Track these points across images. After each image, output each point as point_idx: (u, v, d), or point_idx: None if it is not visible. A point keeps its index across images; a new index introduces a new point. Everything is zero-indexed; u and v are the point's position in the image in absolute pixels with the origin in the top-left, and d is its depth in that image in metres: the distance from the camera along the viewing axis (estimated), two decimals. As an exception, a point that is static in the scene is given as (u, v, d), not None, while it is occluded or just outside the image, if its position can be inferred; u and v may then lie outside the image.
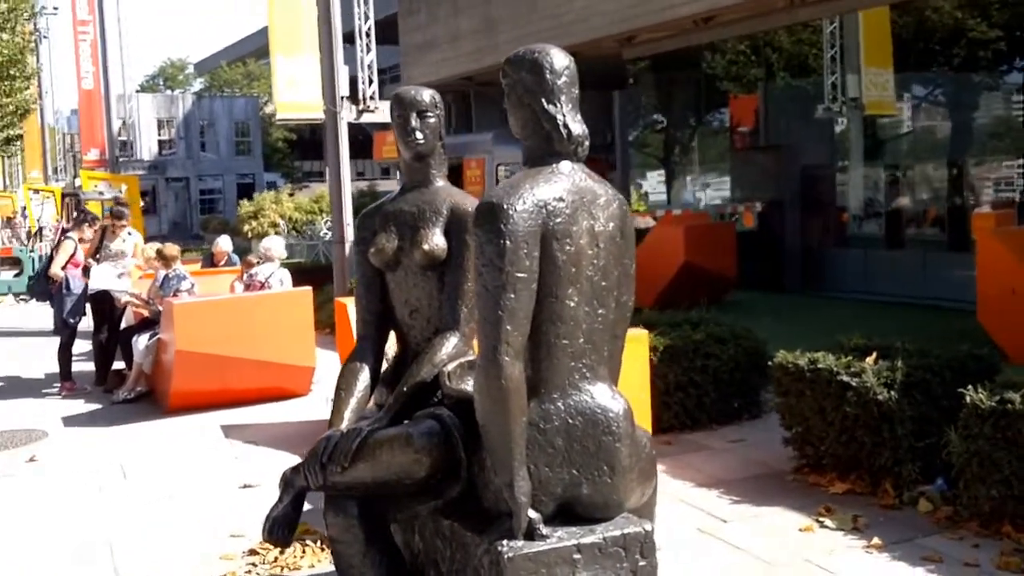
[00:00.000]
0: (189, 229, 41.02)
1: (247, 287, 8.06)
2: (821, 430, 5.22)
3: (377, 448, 2.98)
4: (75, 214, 9.34)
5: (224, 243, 10.43)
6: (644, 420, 5.03)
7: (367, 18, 11.74)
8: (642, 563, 2.82)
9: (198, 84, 67.08)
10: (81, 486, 5.60)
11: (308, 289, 7.64)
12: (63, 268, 8.15)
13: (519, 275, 2.62)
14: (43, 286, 8.31)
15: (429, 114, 3.45)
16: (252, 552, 4.37)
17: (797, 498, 4.99)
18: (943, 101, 15.63)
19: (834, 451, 5.18)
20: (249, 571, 4.25)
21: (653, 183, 20.39)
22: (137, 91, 53.47)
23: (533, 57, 2.86)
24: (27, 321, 11.67)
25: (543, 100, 2.82)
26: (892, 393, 4.82)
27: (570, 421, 2.77)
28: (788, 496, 5.03)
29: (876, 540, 4.35)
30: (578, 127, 2.83)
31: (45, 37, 31.56)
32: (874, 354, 5.12)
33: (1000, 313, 7.63)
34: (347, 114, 10.93)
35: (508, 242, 2.61)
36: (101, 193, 18.81)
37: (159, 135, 43.97)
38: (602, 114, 20.37)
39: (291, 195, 25.32)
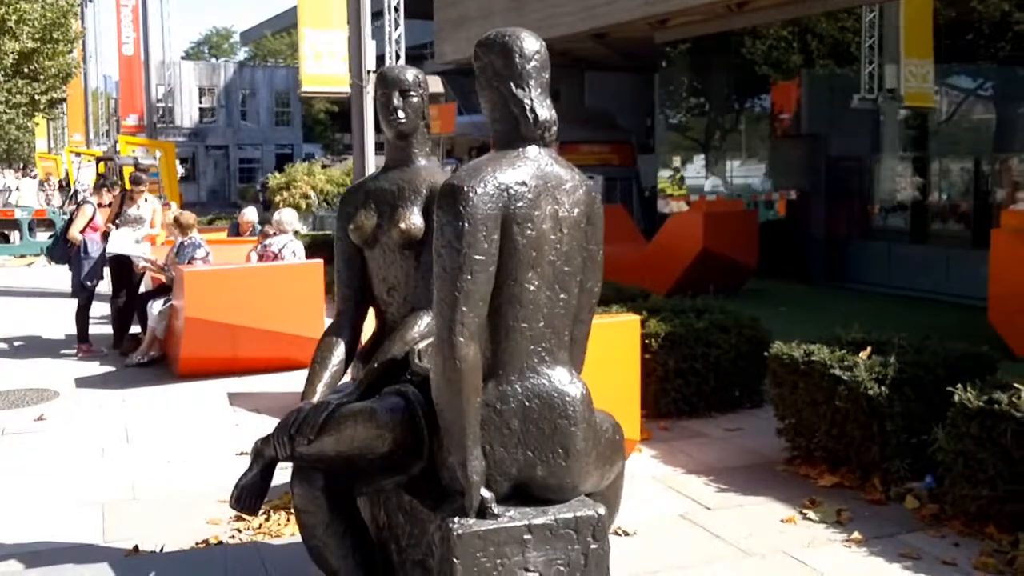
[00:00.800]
0: (227, 197, 41.39)
1: (261, 257, 8.16)
2: (813, 422, 5.21)
3: (342, 422, 3.04)
4: (96, 179, 9.49)
5: (250, 214, 10.58)
6: (633, 405, 5.06)
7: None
8: (594, 546, 2.85)
9: (243, 53, 67.61)
10: (83, 447, 5.73)
11: (319, 261, 7.71)
12: (82, 232, 8.30)
13: (477, 257, 2.64)
14: (62, 249, 8.47)
15: (412, 93, 3.47)
16: (239, 518, 4.45)
17: (785, 489, 4.99)
18: (983, 95, 15.32)
19: (825, 444, 5.17)
20: (233, 536, 4.35)
21: (688, 168, 20.25)
22: (182, 58, 53.97)
23: (503, 40, 2.86)
24: (53, 282, 11.88)
25: (512, 84, 2.83)
26: (883, 388, 4.80)
27: (527, 403, 2.80)
28: (776, 487, 5.04)
29: (856, 534, 4.34)
30: (545, 112, 2.84)
31: (91, 1, 31.92)
32: (868, 349, 5.09)
33: (1011, 313, 7.52)
34: (373, 88, 10.94)
35: (467, 224, 2.63)
36: (135, 158, 19.07)
37: (200, 103, 44.38)
38: (638, 98, 20.26)
39: (324, 167, 25.50)
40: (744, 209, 14.40)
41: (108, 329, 8.91)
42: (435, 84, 27.85)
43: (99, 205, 8.50)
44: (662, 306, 6.91)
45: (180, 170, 38.73)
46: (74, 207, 11.27)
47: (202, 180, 43.20)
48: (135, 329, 8.61)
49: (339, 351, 3.48)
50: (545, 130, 2.85)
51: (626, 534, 4.38)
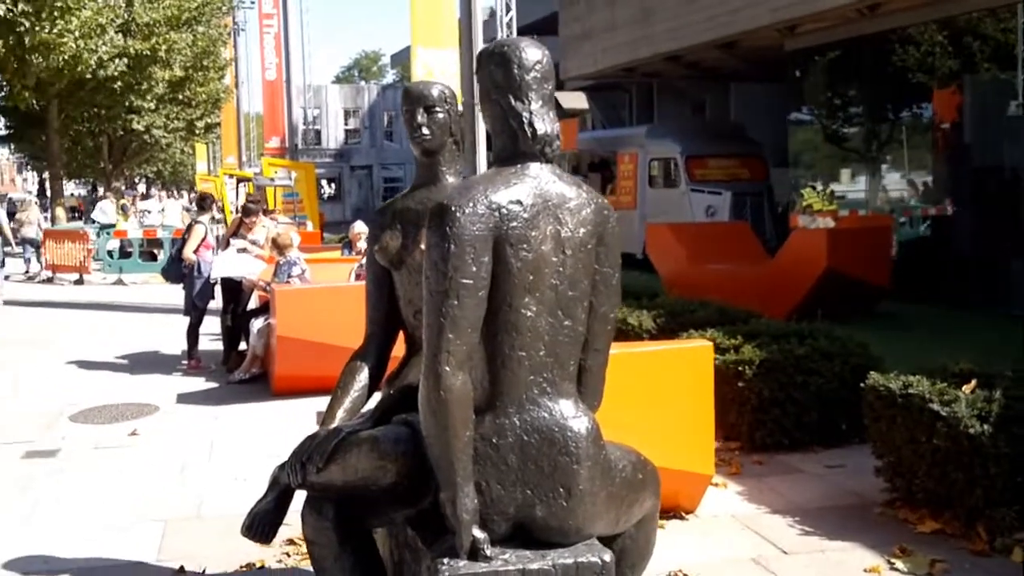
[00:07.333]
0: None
1: (358, 276, 8.19)
2: (913, 462, 4.72)
3: (348, 451, 2.92)
4: (201, 201, 9.81)
5: (359, 226, 10.71)
6: (705, 438, 4.72)
7: (508, 8, 11.69)
8: (596, 596, 2.61)
9: (391, 75, 69.67)
10: (166, 463, 5.83)
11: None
12: (195, 252, 8.56)
13: (463, 281, 2.47)
14: (176, 269, 8.77)
15: (437, 109, 3.33)
16: (290, 542, 4.39)
17: (877, 534, 4.54)
18: None
19: (926, 486, 4.68)
20: (280, 560, 4.29)
21: (830, 183, 19.31)
22: (332, 82, 56.06)
23: (502, 51, 2.70)
24: (174, 299, 12.33)
25: (510, 96, 2.66)
26: (986, 427, 4.29)
27: (525, 438, 2.61)
28: (868, 531, 4.59)
29: (946, 590, 3.89)
30: (545, 126, 2.65)
31: (242, 30, 33.58)
32: (973, 382, 4.58)
33: None
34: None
35: (453, 246, 2.47)
36: (273, 180, 19.76)
37: (346, 125, 45.92)
38: (779, 109, 19.47)
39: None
40: (877, 224, 13.53)
41: (221, 346, 9.15)
42: (579, 100, 27.76)
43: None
44: (763, 330, 6.48)
45: (327, 190, 40.17)
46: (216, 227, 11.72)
47: (347, 199, 44.54)
48: (244, 346, 8.80)
49: (362, 376, 3.40)
50: (545, 144, 2.66)
51: (686, 577, 4.07)
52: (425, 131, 3.30)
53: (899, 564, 4.18)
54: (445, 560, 2.54)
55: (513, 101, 2.64)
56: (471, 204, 2.50)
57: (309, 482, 2.98)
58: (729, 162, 16.90)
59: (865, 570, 4.14)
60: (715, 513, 4.88)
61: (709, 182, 16.74)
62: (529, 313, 2.58)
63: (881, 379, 4.93)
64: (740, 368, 5.90)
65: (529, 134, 2.62)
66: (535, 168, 2.64)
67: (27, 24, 16.72)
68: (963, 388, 4.54)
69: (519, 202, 2.56)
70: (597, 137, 21.25)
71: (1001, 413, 4.31)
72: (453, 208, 2.49)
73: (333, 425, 3.21)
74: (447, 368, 2.46)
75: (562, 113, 26.59)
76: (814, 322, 6.77)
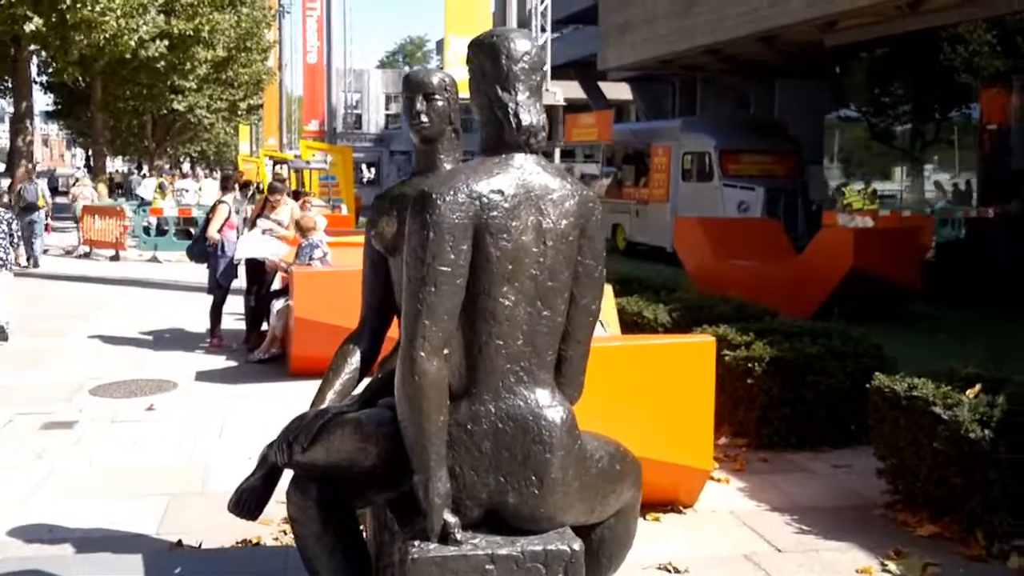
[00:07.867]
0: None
1: (379, 261, 8.22)
2: (915, 464, 4.70)
3: (332, 431, 2.97)
4: (222, 181, 9.96)
5: None
6: (704, 433, 4.72)
7: (542, -1, 11.68)
8: (564, 584, 2.64)
9: (435, 61, 69.79)
10: (177, 439, 5.93)
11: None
12: (219, 231, 8.68)
13: (441, 268, 2.51)
14: (201, 248, 8.90)
15: (437, 97, 3.36)
16: (287, 519, 4.46)
17: (874, 536, 4.53)
18: None
19: (927, 489, 4.66)
20: (277, 538, 4.37)
21: (869, 181, 19.08)
22: (376, 67, 56.19)
23: (491, 41, 2.73)
24: (205, 278, 12.52)
25: (497, 87, 2.69)
26: (987, 432, 4.26)
27: (499, 425, 2.64)
28: (865, 532, 4.57)
29: (936, 594, 3.86)
30: (531, 117, 2.67)
31: (288, 12, 33.84)
32: (977, 386, 4.54)
33: None
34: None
35: (432, 234, 2.51)
36: (308, 163, 19.94)
37: (387, 109, 46.02)
38: (816, 104, 19.26)
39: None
40: (908, 224, 13.35)
41: (244, 325, 9.27)
42: (623, 91, 27.60)
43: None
44: (777, 328, 6.46)
45: (367, 174, 40.33)
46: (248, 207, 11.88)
47: (385, 184, 44.63)
48: (266, 327, 8.91)
49: (354, 359, 3.43)
50: (530, 135, 2.68)
51: (676, 571, 4.08)
52: (424, 118, 3.33)
53: (891, 566, 4.17)
54: (416, 542, 2.58)
55: (500, 91, 2.67)
56: (452, 192, 2.53)
57: (295, 461, 3.04)
58: (763, 158, 16.72)
59: (857, 571, 4.13)
60: (714, 508, 4.89)
61: (742, 177, 16.58)
62: (507, 302, 2.61)
63: (886, 380, 4.91)
64: (750, 365, 5.89)
65: (514, 124, 2.64)
66: (519, 159, 2.66)
67: (69, 1, 17.01)
68: (967, 392, 4.50)
69: (500, 192, 2.58)
70: (632, 129, 21.13)
71: (1003, 419, 4.27)
72: (434, 196, 2.52)
73: (323, 406, 3.24)
74: (422, 354, 2.49)
75: (605, 104, 26.48)
76: (830, 321, 6.74)
